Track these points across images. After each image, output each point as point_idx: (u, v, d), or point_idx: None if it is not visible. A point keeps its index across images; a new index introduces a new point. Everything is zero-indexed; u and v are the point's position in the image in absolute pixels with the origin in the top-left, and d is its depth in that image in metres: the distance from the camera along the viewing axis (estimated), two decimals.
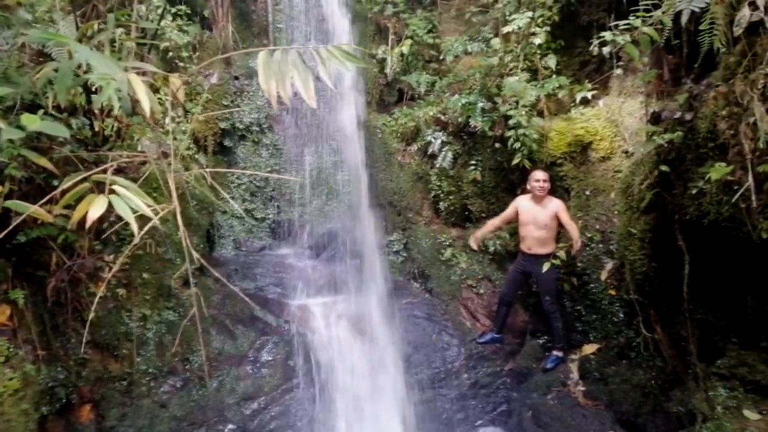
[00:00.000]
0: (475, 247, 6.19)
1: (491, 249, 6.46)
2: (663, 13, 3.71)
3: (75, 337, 4.48)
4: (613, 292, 5.46)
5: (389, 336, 6.13)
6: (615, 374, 5.21)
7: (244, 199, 7.14)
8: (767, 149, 3.07)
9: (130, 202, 2.68)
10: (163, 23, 5.76)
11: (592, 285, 5.69)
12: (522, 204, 5.72)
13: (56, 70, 3.12)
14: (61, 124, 3.98)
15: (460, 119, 6.59)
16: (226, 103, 6.91)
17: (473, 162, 6.55)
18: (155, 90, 5.57)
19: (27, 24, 4.84)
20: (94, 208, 2.57)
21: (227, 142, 7.04)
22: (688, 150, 3.84)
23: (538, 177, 5.56)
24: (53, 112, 4.19)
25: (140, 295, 5.10)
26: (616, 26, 3.94)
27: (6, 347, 3.78)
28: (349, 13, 7.49)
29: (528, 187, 5.66)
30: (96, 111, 4.55)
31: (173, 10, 6.15)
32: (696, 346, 4.16)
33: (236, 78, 7.09)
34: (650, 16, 3.79)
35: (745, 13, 3.07)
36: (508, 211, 5.89)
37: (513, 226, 6.37)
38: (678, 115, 3.92)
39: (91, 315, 4.58)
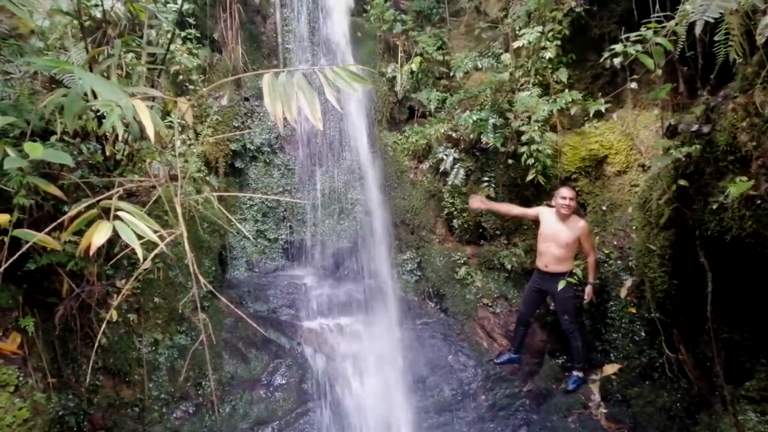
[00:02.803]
0: (474, 205, 6.00)
1: (507, 266, 6.35)
2: (676, 24, 3.63)
3: (86, 363, 4.44)
4: (633, 310, 5.30)
5: (405, 357, 6.03)
6: (638, 396, 5.03)
7: (257, 220, 7.11)
8: None
9: (135, 227, 2.64)
10: (172, 47, 5.79)
11: (611, 303, 5.55)
12: (546, 217, 5.50)
13: (66, 96, 3.13)
14: (67, 151, 4.00)
15: (471, 136, 6.52)
16: (236, 125, 6.92)
17: (486, 179, 6.46)
18: (166, 113, 5.60)
19: (39, 51, 4.91)
20: (98, 235, 2.54)
21: (238, 164, 7.04)
22: (706, 163, 3.73)
23: (565, 194, 5.32)
24: (66, 138, 4.21)
25: (152, 320, 5.07)
26: (627, 38, 3.86)
27: (16, 376, 3.74)
28: (358, 32, 7.51)
29: (553, 203, 5.48)
30: (107, 135, 4.57)
31: (183, 33, 6.19)
32: (722, 367, 4.00)
33: (246, 99, 7.11)
34: (663, 27, 3.71)
35: (767, 21, 2.98)
36: (527, 212, 5.72)
37: (528, 243, 6.26)
38: (695, 127, 3.81)
39: (102, 340, 4.58)
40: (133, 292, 4.88)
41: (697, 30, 3.44)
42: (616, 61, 4.06)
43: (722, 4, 3.29)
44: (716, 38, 3.48)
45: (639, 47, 3.80)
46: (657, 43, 3.70)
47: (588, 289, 5.39)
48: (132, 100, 2.67)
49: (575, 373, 5.60)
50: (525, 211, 5.75)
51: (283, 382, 5.63)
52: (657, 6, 4.66)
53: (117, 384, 4.82)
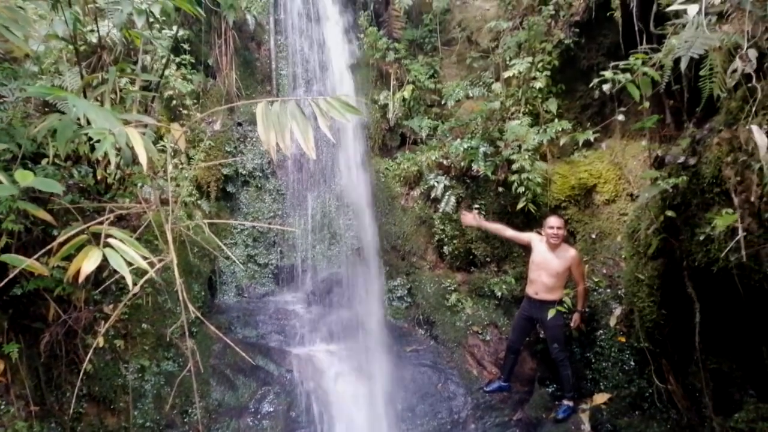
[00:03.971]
0: (466, 221, 6.02)
1: (497, 294, 6.35)
2: (663, 56, 3.72)
3: (70, 390, 4.37)
4: (622, 339, 5.31)
5: (394, 385, 5.97)
6: (628, 426, 5.01)
7: (247, 245, 7.09)
8: None
9: (125, 254, 2.63)
10: (167, 72, 5.83)
11: (601, 331, 5.55)
12: (537, 245, 5.51)
13: (59, 122, 3.13)
14: (58, 174, 3.99)
15: (462, 163, 6.58)
16: (229, 149, 6.94)
17: (477, 206, 6.51)
18: (159, 137, 5.62)
19: (33, 76, 4.92)
20: (88, 262, 2.51)
21: (230, 188, 7.04)
22: (693, 195, 3.79)
23: (552, 224, 5.34)
24: (58, 161, 4.20)
25: (139, 346, 5.00)
26: (616, 66, 3.94)
27: None
28: (352, 59, 7.61)
29: (542, 233, 5.51)
30: (99, 159, 4.57)
31: (177, 59, 6.25)
32: (711, 398, 4.00)
33: (239, 124, 7.15)
34: (650, 58, 3.80)
35: (737, 65, 3.08)
36: (520, 236, 5.71)
37: (519, 270, 6.28)
38: (682, 159, 3.88)
39: (88, 367, 4.51)
40: (121, 317, 4.83)
41: (683, 66, 3.53)
42: (606, 87, 4.12)
43: (706, 41, 3.39)
44: (701, 72, 3.56)
45: (628, 75, 3.88)
46: (644, 73, 3.78)
47: (576, 316, 5.40)
48: (125, 129, 2.67)
49: (565, 402, 5.57)
50: (517, 234, 5.75)
51: (271, 409, 5.55)
52: (644, 39, 4.78)
53: (101, 412, 4.73)
